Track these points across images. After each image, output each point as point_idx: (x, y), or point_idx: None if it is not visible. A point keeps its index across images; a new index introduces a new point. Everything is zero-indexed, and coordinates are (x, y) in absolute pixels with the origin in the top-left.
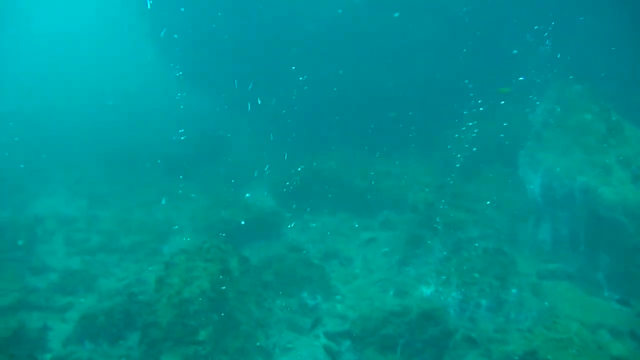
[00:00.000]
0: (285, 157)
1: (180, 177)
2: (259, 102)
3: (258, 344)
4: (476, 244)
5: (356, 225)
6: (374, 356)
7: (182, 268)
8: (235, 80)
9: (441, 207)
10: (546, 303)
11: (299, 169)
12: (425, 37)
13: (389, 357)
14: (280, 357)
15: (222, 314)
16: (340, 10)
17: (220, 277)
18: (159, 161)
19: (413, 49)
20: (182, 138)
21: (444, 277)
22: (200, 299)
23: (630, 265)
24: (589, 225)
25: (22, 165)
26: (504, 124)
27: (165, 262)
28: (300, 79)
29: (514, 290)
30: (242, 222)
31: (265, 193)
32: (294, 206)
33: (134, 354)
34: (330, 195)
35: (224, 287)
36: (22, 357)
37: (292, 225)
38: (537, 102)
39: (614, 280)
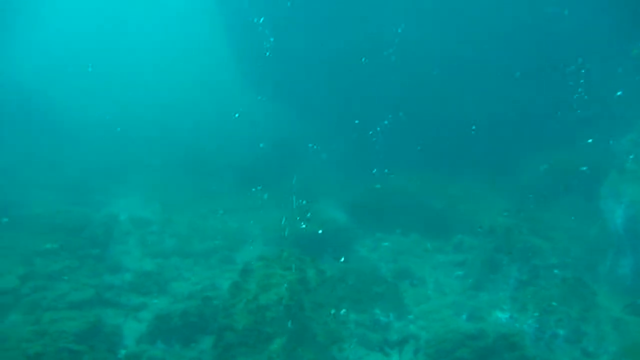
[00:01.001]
0: (361, 175)
1: (255, 187)
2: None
3: (332, 356)
4: (555, 272)
5: (429, 247)
6: None
7: (260, 274)
8: (321, 94)
9: (518, 232)
10: (626, 337)
11: (371, 185)
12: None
13: None
14: None
15: (298, 324)
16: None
17: (298, 286)
18: (233, 171)
19: (506, 73)
20: (260, 146)
21: (520, 304)
22: (276, 307)
23: None
24: None
25: (100, 168)
26: (585, 153)
27: (242, 269)
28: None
29: (593, 323)
30: (319, 232)
31: (339, 209)
32: (366, 224)
33: (205, 357)
34: (402, 215)
35: (301, 297)
36: (102, 349)
37: (364, 242)
38: (622, 134)
39: None
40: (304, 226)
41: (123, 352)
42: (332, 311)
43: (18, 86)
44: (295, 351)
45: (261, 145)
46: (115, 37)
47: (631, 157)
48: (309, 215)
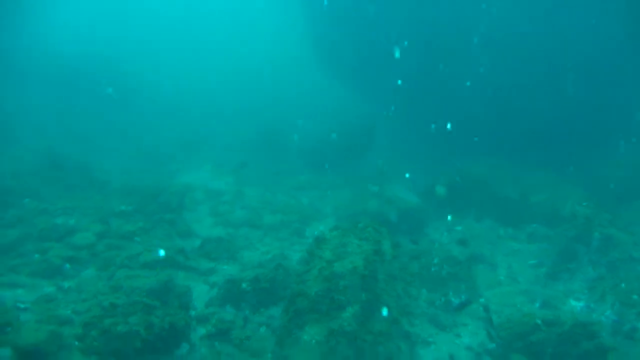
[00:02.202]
0: (434, 158)
1: (326, 167)
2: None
3: (403, 330)
4: (636, 265)
5: (502, 233)
6: None
7: (335, 243)
8: (394, 79)
9: (598, 223)
10: None
11: (445, 170)
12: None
13: None
14: (421, 348)
15: (371, 294)
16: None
17: (374, 257)
18: (306, 151)
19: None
20: (333, 136)
21: (597, 295)
22: (351, 275)
23: None
24: None
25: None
26: None
27: (316, 236)
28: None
29: None
30: (393, 216)
31: (410, 192)
32: (439, 206)
33: (274, 323)
34: (476, 201)
35: (376, 267)
36: (174, 306)
37: (436, 225)
38: None
39: None
40: (373, 206)
41: (192, 313)
42: (404, 285)
43: (93, 58)
44: (368, 321)
45: (333, 135)
46: (194, 15)
47: None
48: (379, 196)
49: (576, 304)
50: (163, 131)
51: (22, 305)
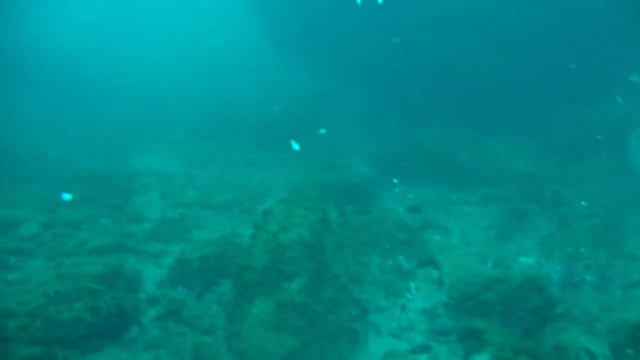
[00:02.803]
0: (385, 127)
1: (277, 144)
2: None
3: (354, 297)
4: (583, 220)
5: (454, 198)
6: (471, 321)
7: (281, 215)
8: (338, 50)
9: (546, 182)
10: None
11: (398, 138)
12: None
13: (487, 323)
14: (374, 314)
15: (319, 263)
16: None
17: (319, 225)
18: (257, 128)
19: (533, 33)
20: (275, 109)
21: (547, 251)
22: (297, 246)
23: None
24: None
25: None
26: (615, 109)
27: (263, 210)
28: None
29: (621, 269)
30: (345, 186)
31: (362, 162)
32: (391, 175)
33: (225, 299)
34: (428, 168)
35: (322, 237)
36: (122, 289)
37: (389, 193)
38: None
39: None
40: (324, 178)
41: (143, 295)
42: (353, 252)
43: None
44: (317, 290)
45: (276, 108)
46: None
47: None
48: (330, 168)
49: (526, 261)
50: (115, 117)
51: None
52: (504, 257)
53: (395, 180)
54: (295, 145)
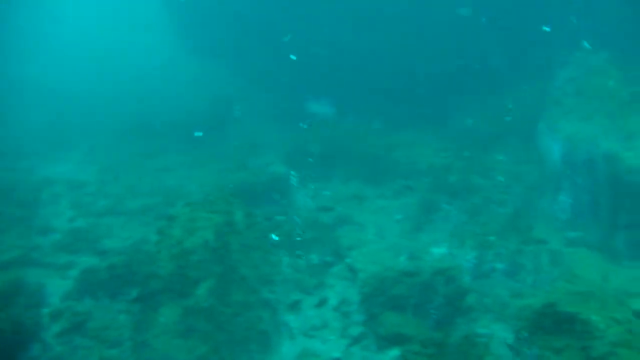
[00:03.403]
0: (298, 125)
1: (192, 145)
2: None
3: (263, 298)
4: (493, 209)
5: (369, 193)
6: (384, 316)
7: (185, 219)
8: (249, 49)
9: (457, 172)
10: (563, 269)
11: (312, 137)
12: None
13: (399, 317)
14: (286, 314)
15: (226, 266)
16: None
17: (225, 228)
18: (172, 131)
19: (435, 23)
20: (189, 107)
21: (458, 241)
22: (202, 250)
23: None
24: (611, 192)
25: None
26: (520, 98)
27: (169, 215)
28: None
29: (531, 256)
30: (258, 186)
31: (277, 160)
32: (305, 173)
33: (134, 308)
34: (343, 163)
35: (228, 239)
36: (20, 305)
37: (303, 191)
38: (557, 71)
39: (634, 249)
40: (239, 178)
41: (46, 310)
42: (262, 254)
43: None
44: (224, 294)
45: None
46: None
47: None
48: (245, 167)
49: (438, 252)
50: (24, 124)
51: None
52: (417, 250)
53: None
54: (199, 134)
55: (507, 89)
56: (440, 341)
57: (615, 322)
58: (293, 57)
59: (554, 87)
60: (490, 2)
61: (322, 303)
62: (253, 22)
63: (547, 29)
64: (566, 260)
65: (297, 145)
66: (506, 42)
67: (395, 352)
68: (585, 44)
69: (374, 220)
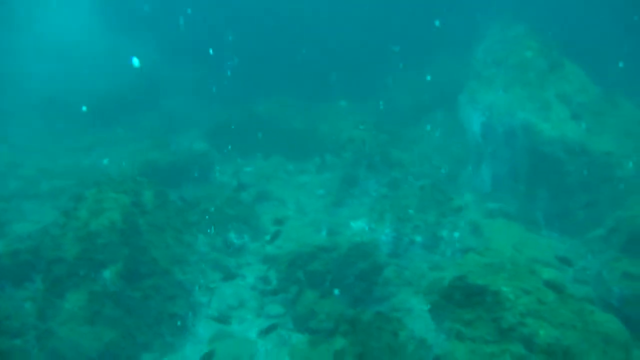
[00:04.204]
0: (220, 102)
1: (113, 125)
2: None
3: (175, 280)
4: (413, 182)
5: (291, 169)
6: (301, 293)
7: (92, 201)
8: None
9: (377, 145)
10: (482, 240)
11: (233, 113)
12: None
13: (317, 293)
14: (201, 296)
15: (134, 248)
16: None
17: (133, 209)
18: (88, 110)
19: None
20: (107, 85)
21: (377, 215)
22: (108, 232)
23: (569, 203)
24: (529, 163)
25: None
26: (443, 73)
27: (76, 196)
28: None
29: (450, 228)
30: (178, 164)
31: (199, 137)
32: (226, 150)
33: (40, 295)
34: (264, 139)
35: (136, 220)
36: None
37: (224, 168)
38: (478, 43)
39: (552, 219)
40: (158, 157)
41: None
42: (174, 234)
43: None
44: (133, 277)
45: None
46: None
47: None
48: (166, 145)
49: (357, 227)
50: None
51: None
52: (337, 224)
53: (237, 159)
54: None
55: (429, 65)
56: (354, 317)
57: (525, 292)
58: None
59: (474, 59)
60: None
61: (238, 282)
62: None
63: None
64: (485, 231)
65: (219, 122)
66: (426, 19)
67: (310, 329)
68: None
69: (295, 196)
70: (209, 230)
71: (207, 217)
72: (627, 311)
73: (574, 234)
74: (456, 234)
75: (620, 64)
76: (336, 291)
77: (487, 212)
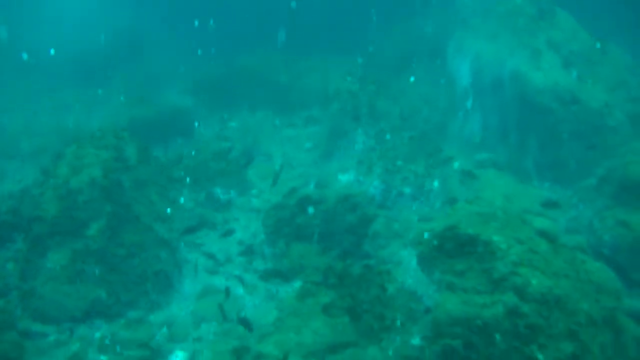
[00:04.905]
0: (204, 56)
1: (94, 83)
2: None
3: (160, 237)
4: (401, 133)
5: (278, 123)
6: (289, 247)
7: (71, 157)
8: None
9: (365, 96)
10: (472, 191)
11: (218, 67)
12: None
13: (306, 247)
14: (187, 253)
15: (117, 205)
16: None
17: (115, 164)
18: (68, 65)
19: None
20: (88, 41)
21: (366, 167)
22: (89, 189)
23: (560, 152)
24: (519, 112)
25: None
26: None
27: (55, 154)
28: None
29: (439, 179)
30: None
31: (183, 93)
32: (212, 105)
33: (21, 255)
34: (250, 94)
35: (118, 176)
36: None
37: (209, 123)
38: None
39: (543, 169)
40: (142, 112)
41: None
42: (158, 190)
43: None
44: (117, 234)
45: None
46: None
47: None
48: (150, 101)
49: (346, 179)
50: None
51: None
52: (326, 177)
53: (223, 114)
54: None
55: (417, 15)
56: (343, 270)
57: (518, 241)
58: None
59: (462, 7)
60: None
61: (225, 238)
62: None
63: None
64: (475, 181)
65: (203, 77)
66: None
67: (297, 283)
68: None
69: (283, 150)
70: (194, 186)
71: (192, 172)
72: (618, 259)
73: (565, 184)
74: (445, 185)
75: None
76: (324, 244)
77: (477, 163)
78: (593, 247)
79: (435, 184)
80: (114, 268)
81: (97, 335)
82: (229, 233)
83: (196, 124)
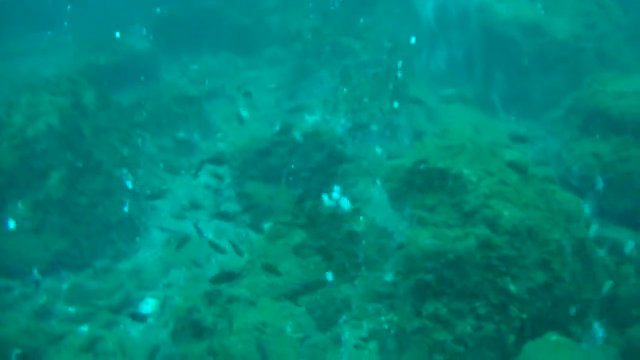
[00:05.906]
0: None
1: (47, 26)
2: None
3: (124, 184)
4: (366, 71)
5: (240, 64)
6: (256, 189)
7: (25, 105)
8: None
9: (328, 34)
10: (440, 126)
11: (177, 8)
12: None
13: (273, 188)
14: (153, 199)
15: (77, 153)
16: None
17: (73, 111)
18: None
19: None
20: None
21: (331, 106)
22: (47, 137)
23: (525, 84)
24: (484, 45)
25: None
26: None
27: (7, 102)
28: None
29: (406, 115)
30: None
31: (142, 35)
32: (172, 47)
33: None
34: (212, 35)
35: (77, 123)
36: None
37: (170, 67)
38: None
39: (509, 102)
40: (99, 57)
41: None
42: (120, 135)
43: None
44: (79, 182)
45: None
46: None
47: None
48: (106, 44)
49: (312, 119)
50: None
51: None
52: (291, 117)
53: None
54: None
55: None
56: (312, 209)
57: (488, 173)
58: None
59: None
60: None
61: (191, 182)
62: None
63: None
64: (442, 116)
65: (162, 19)
66: None
67: (267, 225)
68: None
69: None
70: (156, 131)
71: (154, 117)
72: (585, 189)
73: (532, 117)
74: (413, 121)
75: None
76: (293, 185)
77: (443, 98)
78: (562, 178)
79: (402, 120)
80: (78, 218)
81: (65, 286)
82: (194, 178)
83: (163, 66)
